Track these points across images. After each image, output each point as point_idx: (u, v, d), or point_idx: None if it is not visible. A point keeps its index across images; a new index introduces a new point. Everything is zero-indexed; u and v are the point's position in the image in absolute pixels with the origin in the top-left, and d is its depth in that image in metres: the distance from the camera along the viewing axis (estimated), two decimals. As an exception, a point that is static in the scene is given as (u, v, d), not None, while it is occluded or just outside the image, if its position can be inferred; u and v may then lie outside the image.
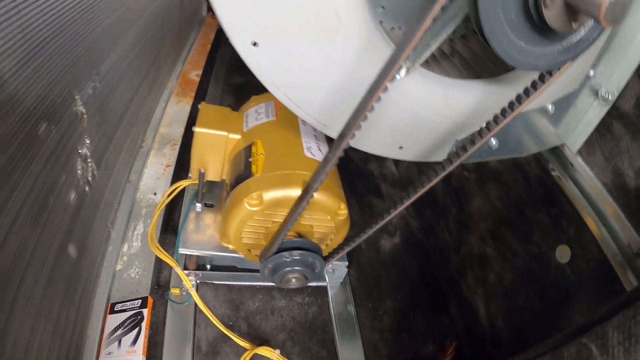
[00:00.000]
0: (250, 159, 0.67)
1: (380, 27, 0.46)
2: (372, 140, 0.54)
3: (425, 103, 0.54)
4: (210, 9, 1.93)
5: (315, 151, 0.69)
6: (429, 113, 0.55)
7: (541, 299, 0.74)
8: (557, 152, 0.70)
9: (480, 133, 0.52)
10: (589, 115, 0.64)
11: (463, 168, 0.91)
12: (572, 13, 0.39)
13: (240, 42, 0.42)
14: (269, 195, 0.61)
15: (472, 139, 0.52)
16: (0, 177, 0.51)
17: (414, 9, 0.61)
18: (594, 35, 0.44)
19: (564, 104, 0.64)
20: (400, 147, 0.58)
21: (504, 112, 0.51)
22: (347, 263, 0.84)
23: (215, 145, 0.75)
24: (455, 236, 0.99)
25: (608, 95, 0.61)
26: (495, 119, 0.51)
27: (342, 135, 0.44)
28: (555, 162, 0.72)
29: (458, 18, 0.46)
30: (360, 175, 1.24)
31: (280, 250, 0.61)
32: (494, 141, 0.60)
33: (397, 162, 1.23)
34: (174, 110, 1.33)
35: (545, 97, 0.59)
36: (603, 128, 0.64)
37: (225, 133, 0.74)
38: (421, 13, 0.62)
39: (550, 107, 0.63)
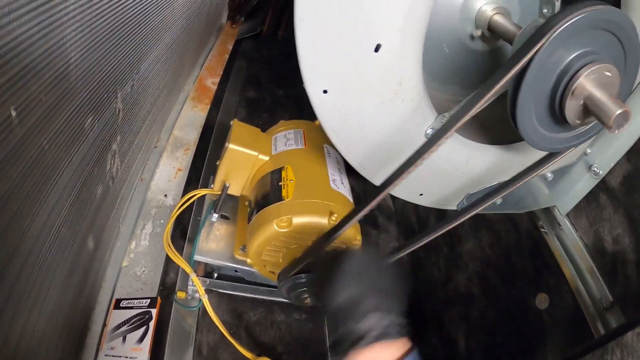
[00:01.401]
0: (280, 183, 0.72)
1: (427, 93, 0.54)
2: (401, 187, 0.62)
3: (449, 160, 0.62)
4: (229, 18, 1.98)
5: (339, 184, 0.75)
6: (450, 168, 0.63)
7: (518, 339, 0.82)
8: (548, 212, 0.79)
9: (491, 193, 0.60)
10: (581, 185, 0.73)
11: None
12: (588, 114, 0.47)
13: (313, 88, 0.48)
14: (298, 220, 0.66)
15: (483, 197, 0.61)
16: (50, 166, 0.53)
17: (445, 74, 0.70)
18: (599, 128, 0.53)
19: (561, 173, 0.73)
20: (421, 194, 0.65)
21: (514, 179, 0.59)
22: (345, 286, 0.90)
23: (244, 163, 0.80)
24: (444, 273, 1.07)
25: (599, 171, 0.70)
26: (506, 184, 0.60)
27: (384, 186, 0.50)
28: (545, 220, 0.81)
29: (494, 98, 0.54)
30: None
31: (300, 272, 0.67)
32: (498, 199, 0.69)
33: (393, 198, 1.31)
34: (188, 115, 1.36)
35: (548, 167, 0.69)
36: (591, 197, 0.73)
37: (255, 153, 0.79)
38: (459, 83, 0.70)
39: (549, 175, 0.73)
